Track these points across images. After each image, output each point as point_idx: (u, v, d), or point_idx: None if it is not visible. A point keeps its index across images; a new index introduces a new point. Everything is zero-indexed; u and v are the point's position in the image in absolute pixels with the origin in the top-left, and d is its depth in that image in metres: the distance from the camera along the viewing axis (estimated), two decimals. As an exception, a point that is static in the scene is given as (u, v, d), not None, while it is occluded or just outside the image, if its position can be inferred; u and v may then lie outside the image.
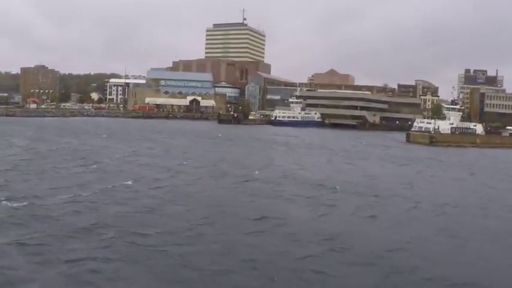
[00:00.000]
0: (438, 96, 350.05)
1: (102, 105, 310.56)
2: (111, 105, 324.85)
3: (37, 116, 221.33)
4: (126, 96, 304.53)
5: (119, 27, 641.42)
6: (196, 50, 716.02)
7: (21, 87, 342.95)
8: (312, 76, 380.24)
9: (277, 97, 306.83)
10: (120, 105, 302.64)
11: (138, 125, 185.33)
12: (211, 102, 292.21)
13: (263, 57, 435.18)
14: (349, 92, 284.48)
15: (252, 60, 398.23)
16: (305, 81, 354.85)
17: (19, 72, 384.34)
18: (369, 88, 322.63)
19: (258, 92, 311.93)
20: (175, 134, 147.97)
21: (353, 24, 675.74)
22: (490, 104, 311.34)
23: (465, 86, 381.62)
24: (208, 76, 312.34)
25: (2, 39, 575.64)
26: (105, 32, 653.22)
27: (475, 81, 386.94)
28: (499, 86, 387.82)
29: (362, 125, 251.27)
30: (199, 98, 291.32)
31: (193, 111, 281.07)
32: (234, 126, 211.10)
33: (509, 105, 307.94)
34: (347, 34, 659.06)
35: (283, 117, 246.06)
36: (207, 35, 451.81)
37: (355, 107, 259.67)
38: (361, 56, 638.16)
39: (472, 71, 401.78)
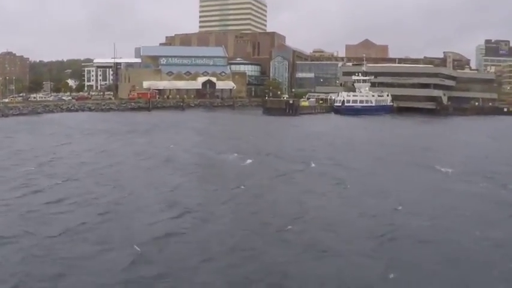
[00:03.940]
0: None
1: (85, 94, 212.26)
2: (92, 93, 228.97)
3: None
4: (116, 81, 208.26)
5: (97, 5, 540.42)
6: (189, 25, 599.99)
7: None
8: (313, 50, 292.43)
9: (310, 75, 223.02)
10: (107, 93, 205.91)
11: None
12: (229, 84, 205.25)
13: (265, 29, 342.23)
14: (419, 67, 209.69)
15: (259, 30, 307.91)
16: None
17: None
18: (415, 61, 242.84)
19: (286, 69, 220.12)
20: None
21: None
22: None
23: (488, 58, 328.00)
24: (221, 51, 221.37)
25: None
26: (80, 12, 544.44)
27: (497, 52, 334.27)
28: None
29: (443, 109, 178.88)
30: (213, 79, 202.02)
31: (206, 96, 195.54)
32: (291, 120, 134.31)
33: None
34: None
35: (354, 101, 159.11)
36: (201, 6, 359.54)
37: (427, 85, 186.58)
38: (379, 27, 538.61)
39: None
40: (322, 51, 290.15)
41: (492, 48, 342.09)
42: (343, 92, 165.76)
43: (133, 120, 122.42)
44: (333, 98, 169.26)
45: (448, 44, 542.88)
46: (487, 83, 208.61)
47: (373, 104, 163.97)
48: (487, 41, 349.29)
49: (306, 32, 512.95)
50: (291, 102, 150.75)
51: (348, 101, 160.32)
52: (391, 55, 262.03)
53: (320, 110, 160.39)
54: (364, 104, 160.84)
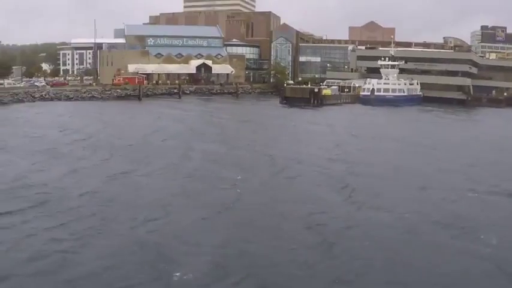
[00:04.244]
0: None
1: (62, 80, 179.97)
2: (68, 77, 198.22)
3: None
4: (96, 64, 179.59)
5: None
6: (172, 5, 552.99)
7: None
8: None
9: (316, 59, 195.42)
10: (86, 78, 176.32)
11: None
12: (227, 68, 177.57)
13: (254, 9, 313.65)
14: (449, 52, 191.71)
15: (247, 11, 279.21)
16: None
17: None
18: (426, 45, 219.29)
19: (289, 52, 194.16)
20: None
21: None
22: None
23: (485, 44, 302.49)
24: (215, 30, 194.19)
25: None
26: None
27: (494, 39, 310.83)
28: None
29: (475, 100, 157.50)
30: (209, 62, 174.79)
31: (201, 82, 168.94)
32: (321, 112, 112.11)
33: None
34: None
35: (386, 90, 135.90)
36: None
37: (455, 73, 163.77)
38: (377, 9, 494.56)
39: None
40: (311, 35, 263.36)
41: (489, 35, 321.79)
42: (372, 80, 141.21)
43: (128, 113, 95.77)
44: (357, 85, 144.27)
45: (443, 29, 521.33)
46: (510, 71, 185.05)
47: (406, 94, 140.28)
48: (483, 27, 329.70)
49: (299, 14, 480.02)
50: (316, 90, 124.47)
51: (379, 90, 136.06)
52: (397, 39, 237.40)
53: (345, 100, 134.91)
54: (397, 94, 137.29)
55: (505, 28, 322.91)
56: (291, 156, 51.63)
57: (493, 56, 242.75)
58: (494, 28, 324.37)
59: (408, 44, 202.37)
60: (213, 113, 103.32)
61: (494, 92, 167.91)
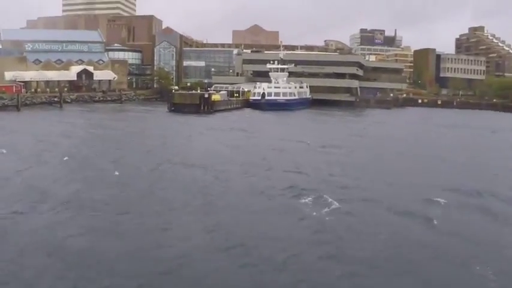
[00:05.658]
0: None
1: None
2: None
3: None
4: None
5: None
6: (51, 9, 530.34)
7: None
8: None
9: (200, 63, 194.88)
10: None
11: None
12: (109, 74, 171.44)
13: (135, 12, 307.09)
14: (337, 55, 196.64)
15: (127, 15, 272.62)
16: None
17: None
18: (309, 48, 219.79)
19: (172, 57, 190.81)
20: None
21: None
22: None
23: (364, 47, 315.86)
24: (96, 35, 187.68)
25: None
26: None
27: (373, 41, 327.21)
28: (398, 47, 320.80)
29: (364, 101, 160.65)
30: (90, 68, 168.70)
31: (83, 89, 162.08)
32: (213, 120, 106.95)
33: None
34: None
35: (277, 94, 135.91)
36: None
37: (343, 75, 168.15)
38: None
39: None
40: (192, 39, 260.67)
41: (368, 37, 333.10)
42: (262, 84, 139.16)
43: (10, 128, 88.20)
44: (246, 90, 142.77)
45: (324, 33, 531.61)
46: (394, 72, 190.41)
47: (297, 97, 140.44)
48: (362, 30, 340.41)
49: (180, 17, 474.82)
50: (206, 96, 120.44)
51: (270, 94, 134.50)
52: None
53: (236, 105, 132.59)
54: (288, 97, 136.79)
55: (383, 31, 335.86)
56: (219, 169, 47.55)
57: (372, 58, 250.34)
58: (373, 31, 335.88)
59: (293, 47, 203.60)
60: (102, 125, 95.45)
61: (378, 93, 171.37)
